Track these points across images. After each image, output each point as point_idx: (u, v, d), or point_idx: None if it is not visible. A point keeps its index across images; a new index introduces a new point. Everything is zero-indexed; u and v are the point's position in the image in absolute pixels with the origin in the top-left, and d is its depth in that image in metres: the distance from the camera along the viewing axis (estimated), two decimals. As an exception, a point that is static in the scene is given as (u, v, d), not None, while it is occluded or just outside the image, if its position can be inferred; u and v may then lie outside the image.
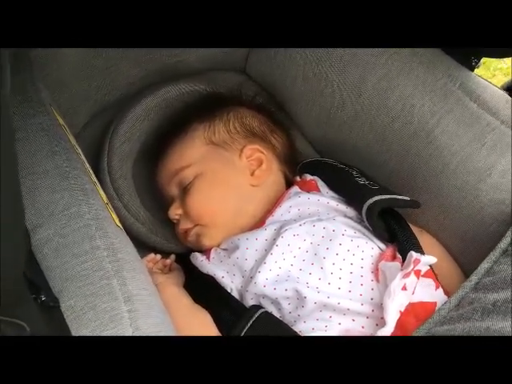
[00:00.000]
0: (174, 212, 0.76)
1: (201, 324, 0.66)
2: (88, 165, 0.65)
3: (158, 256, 0.76)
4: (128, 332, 0.47)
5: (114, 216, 0.60)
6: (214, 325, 0.65)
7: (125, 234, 0.59)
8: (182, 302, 0.69)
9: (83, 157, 0.64)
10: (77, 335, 0.46)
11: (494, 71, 1.68)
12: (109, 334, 0.46)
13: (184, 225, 0.76)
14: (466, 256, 0.69)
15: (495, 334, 0.47)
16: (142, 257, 0.74)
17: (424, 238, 0.70)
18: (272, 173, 0.78)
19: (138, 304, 0.49)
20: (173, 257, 0.78)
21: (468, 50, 0.70)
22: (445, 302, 0.56)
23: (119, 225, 0.59)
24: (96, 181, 0.62)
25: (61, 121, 0.63)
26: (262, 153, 0.77)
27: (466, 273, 0.69)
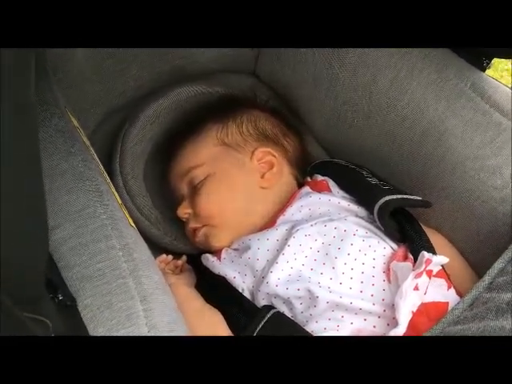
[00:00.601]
0: (183, 211, 0.76)
1: (213, 324, 0.66)
2: (102, 166, 0.65)
3: (170, 257, 0.77)
4: (144, 330, 0.47)
5: (128, 216, 0.60)
6: (226, 325, 0.66)
7: (138, 234, 0.60)
8: (194, 302, 0.69)
9: (97, 158, 0.65)
10: (94, 334, 0.46)
11: (501, 72, 1.68)
12: (125, 333, 0.47)
13: (193, 224, 0.76)
14: (478, 256, 0.69)
15: (510, 334, 0.47)
16: (154, 257, 0.76)
17: (436, 238, 0.70)
18: (283, 176, 0.78)
19: (153, 303, 0.50)
20: (184, 257, 0.78)
21: (479, 50, 0.70)
22: (458, 302, 0.56)
23: (133, 225, 0.60)
24: (110, 182, 0.63)
25: (75, 123, 0.63)
26: (274, 156, 0.78)
27: (479, 273, 0.69)
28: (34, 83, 0.34)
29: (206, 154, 0.76)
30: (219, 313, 0.67)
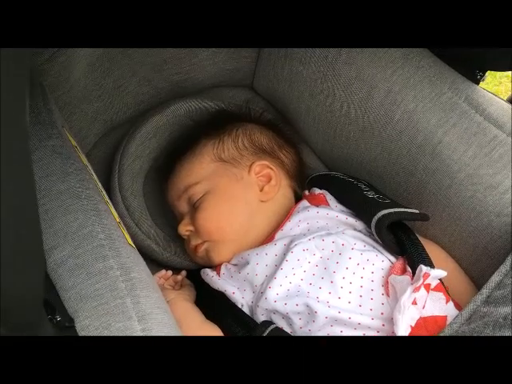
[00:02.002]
0: (184, 228, 0.77)
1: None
2: (100, 184, 0.66)
3: (169, 272, 0.77)
4: (142, 350, 0.47)
5: (127, 235, 0.60)
6: None
7: (137, 252, 0.60)
8: (194, 318, 0.69)
9: (95, 176, 0.65)
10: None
11: (500, 79, 1.68)
12: (123, 353, 0.47)
13: (194, 241, 0.76)
14: (477, 268, 0.69)
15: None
16: (153, 273, 0.76)
17: (434, 250, 0.70)
18: (281, 188, 0.78)
19: (152, 323, 0.50)
20: (184, 273, 0.79)
21: (472, 63, 0.70)
22: (456, 316, 0.56)
23: (131, 243, 0.60)
24: (108, 200, 0.63)
25: (73, 142, 0.64)
26: (271, 169, 0.78)
27: (478, 285, 0.69)
28: (27, 102, 0.34)
29: (203, 171, 0.77)
30: (218, 328, 0.67)
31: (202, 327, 0.68)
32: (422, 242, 0.69)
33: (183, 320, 0.64)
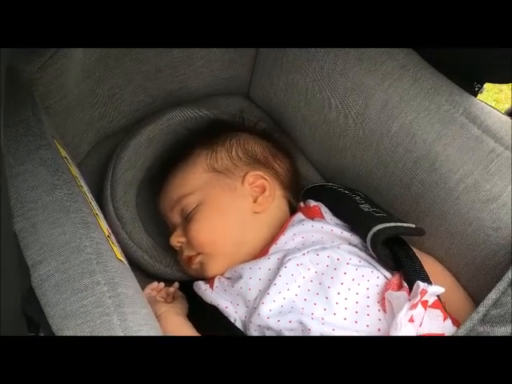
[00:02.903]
0: (176, 240, 0.75)
1: None
2: (91, 195, 0.65)
3: (162, 284, 0.76)
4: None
5: (116, 249, 0.59)
6: None
7: (126, 266, 0.59)
8: (185, 332, 0.68)
9: (86, 187, 0.64)
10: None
11: (500, 86, 1.68)
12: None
13: (187, 252, 0.75)
14: (475, 283, 0.68)
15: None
16: (145, 284, 0.75)
17: (430, 265, 0.69)
18: (275, 199, 0.77)
19: (139, 340, 0.49)
20: (176, 285, 0.77)
21: (470, 75, 0.69)
22: (452, 336, 0.54)
23: (121, 258, 0.59)
24: (98, 212, 0.62)
25: (63, 153, 0.63)
26: (265, 179, 0.77)
27: (476, 300, 0.67)
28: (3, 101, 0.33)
29: (196, 182, 0.76)
30: None
31: None
32: (418, 255, 0.68)
33: (174, 334, 0.63)
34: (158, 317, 0.65)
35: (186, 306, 0.74)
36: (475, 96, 0.70)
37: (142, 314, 0.52)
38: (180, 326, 0.68)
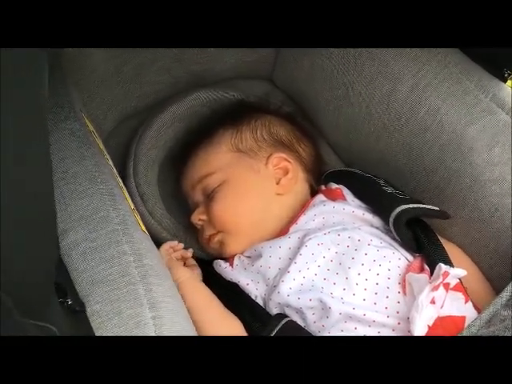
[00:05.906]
0: (198, 217, 0.76)
1: (233, 330, 0.65)
2: (115, 170, 0.65)
3: (181, 245, 0.75)
4: (152, 338, 0.47)
5: (140, 221, 0.60)
6: (245, 332, 0.64)
7: (150, 239, 0.60)
8: (216, 307, 0.67)
9: (111, 162, 0.65)
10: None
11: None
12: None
13: (208, 231, 0.75)
14: (496, 271, 0.68)
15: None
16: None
17: (453, 250, 0.68)
18: (297, 182, 0.77)
19: (163, 311, 0.49)
20: (191, 250, 0.77)
21: (500, 61, 0.68)
22: (475, 319, 0.54)
23: (145, 230, 0.59)
24: (123, 186, 0.63)
25: (90, 127, 0.63)
26: (289, 162, 0.77)
27: (497, 288, 0.67)
28: (47, 84, 0.33)
29: (219, 161, 0.76)
30: (239, 321, 0.66)
31: (223, 316, 0.66)
32: (440, 240, 0.67)
33: (206, 309, 0.64)
34: (180, 283, 0.65)
35: (200, 274, 0.74)
36: (504, 82, 0.69)
37: (166, 286, 0.53)
38: (210, 301, 0.68)
